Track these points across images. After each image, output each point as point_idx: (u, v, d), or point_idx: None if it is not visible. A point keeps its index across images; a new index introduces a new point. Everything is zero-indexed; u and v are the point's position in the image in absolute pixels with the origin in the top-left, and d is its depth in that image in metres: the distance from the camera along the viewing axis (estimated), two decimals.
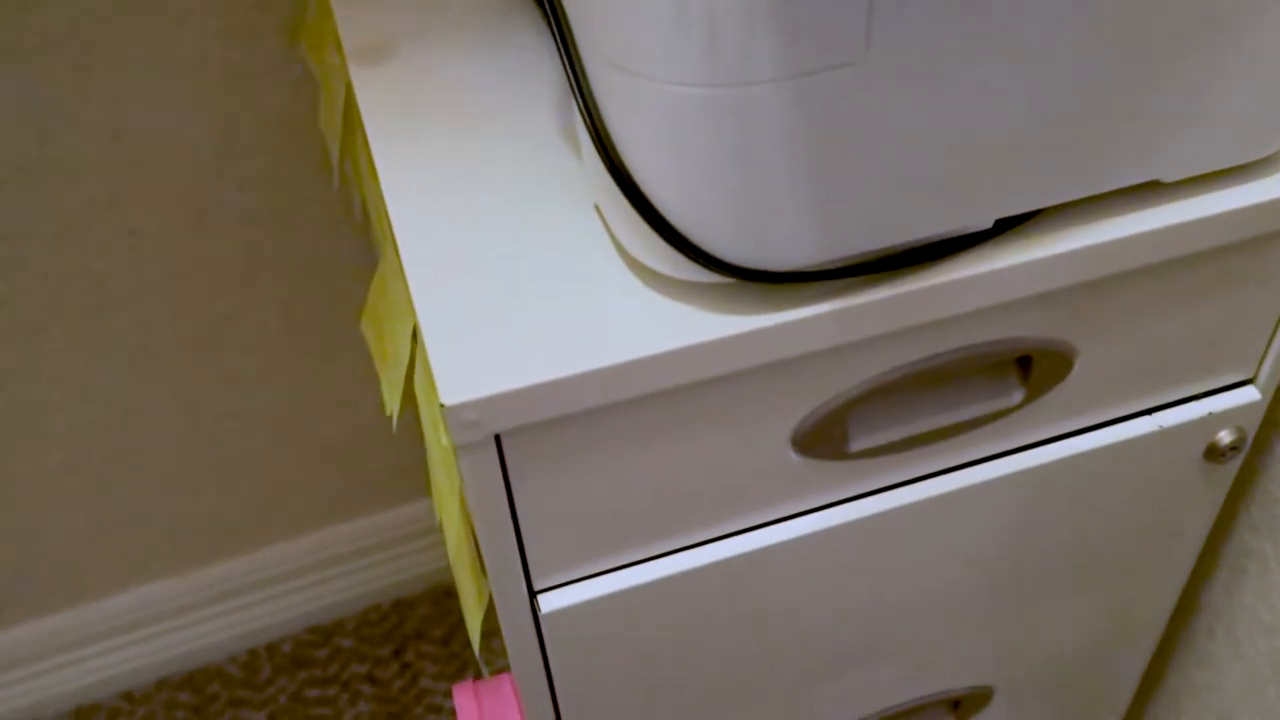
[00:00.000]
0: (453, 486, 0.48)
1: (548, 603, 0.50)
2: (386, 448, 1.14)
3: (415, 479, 1.18)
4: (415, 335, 0.48)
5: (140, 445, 1.03)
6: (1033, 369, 0.50)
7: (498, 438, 0.42)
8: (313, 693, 1.18)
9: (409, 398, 0.55)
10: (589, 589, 0.50)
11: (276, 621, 1.21)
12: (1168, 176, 0.45)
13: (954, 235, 0.44)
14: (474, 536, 0.50)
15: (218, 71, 0.83)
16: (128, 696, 1.19)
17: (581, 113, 0.41)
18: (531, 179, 0.48)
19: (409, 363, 0.52)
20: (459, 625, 1.22)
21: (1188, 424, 0.56)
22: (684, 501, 0.49)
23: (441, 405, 0.40)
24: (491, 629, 1.08)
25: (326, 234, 0.95)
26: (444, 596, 1.24)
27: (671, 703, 0.58)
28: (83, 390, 0.98)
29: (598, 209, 0.46)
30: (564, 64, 0.41)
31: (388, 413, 0.65)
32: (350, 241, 0.96)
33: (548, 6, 0.42)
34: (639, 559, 0.50)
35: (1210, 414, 0.56)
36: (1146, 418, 0.55)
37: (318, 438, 1.10)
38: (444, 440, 0.42)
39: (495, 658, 1.17)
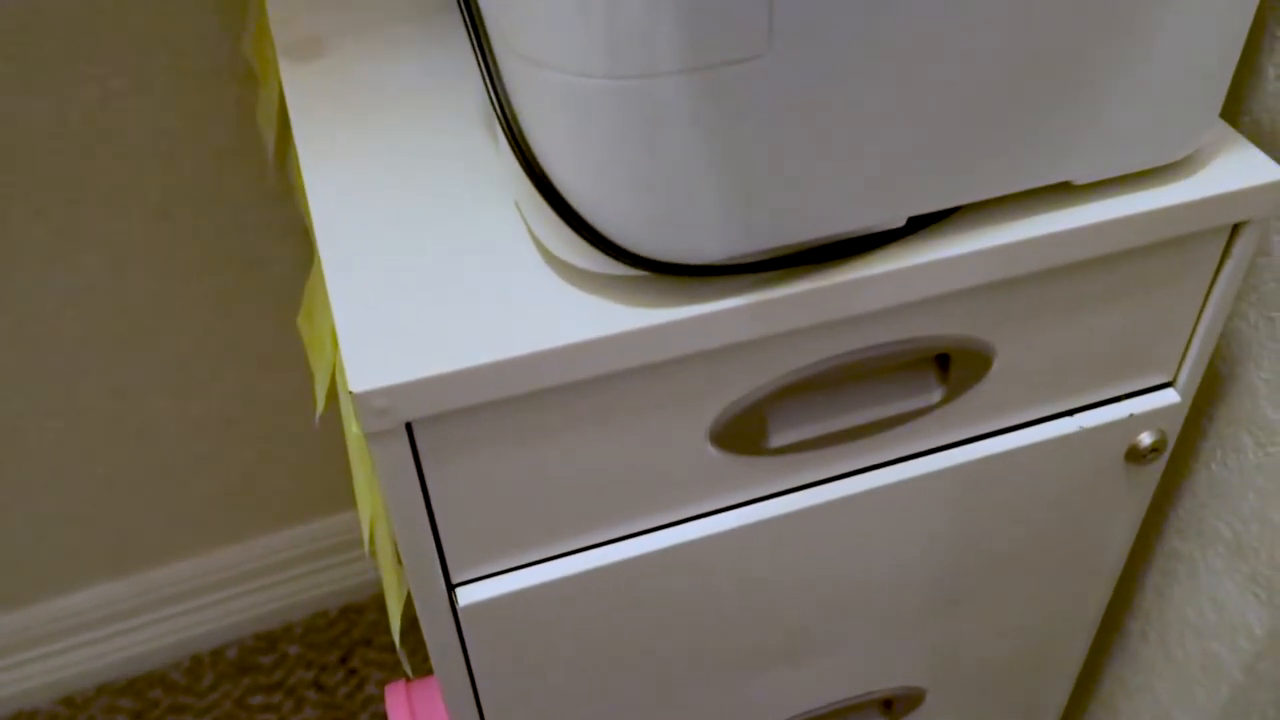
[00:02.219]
0: (370, 476, 0.48)
1: (466, 595, 0.49)
2: (335, 452, 1.13)
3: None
4: (333, 335, 0.48)
5: (85, 447, 1.02)
6: (951, 367, 0.51)
7: (409, 426, 0.42)
8: (257, 699, 1.17)
9: (337, 395, 0.55)
10: (508, 582, 0.50)
11: (222, 627, 1.20)
12: (1079, 178, 0.46)
13: (867, 232, 0.44)
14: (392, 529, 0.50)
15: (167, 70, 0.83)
16: (67, 702, 1.17)
17: (494, 106, 0.41)
18: (454, 174, 0.48)
19: (335, 358, 0.52)
20: (408, 631, 1.21)
21: (1108, 425, 0.56)
22: (603, 496, 0.49)
23: (350, 392, 0.40)
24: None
25: (271, 234, 0.95)
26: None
27: (595, 699, 0.58)
28: (26, 390, 0.97)
29: (517, 205, 0.46)
30: (476, 57, 0.41)
31: (316, 410, 0.65)
32: (294, 241, 0.96)
33: (462, 1, 0.42)
34: (559, 553, 0.50)
35: (1131, 415, 0.56)
36: (1068, 419, 0.56)
37: (266, 441, 1.09)
38: (354, 428, 0.42)
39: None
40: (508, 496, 0.47)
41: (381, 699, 1.16)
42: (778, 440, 0.50)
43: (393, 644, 1.20)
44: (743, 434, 0.49)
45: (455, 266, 0.44)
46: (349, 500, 1.18)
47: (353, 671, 1.18)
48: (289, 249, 0.96)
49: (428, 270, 0.44)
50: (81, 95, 0.83)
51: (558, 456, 0.46)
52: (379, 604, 1.24)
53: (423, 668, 1.19)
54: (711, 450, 0.49)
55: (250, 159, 0.90)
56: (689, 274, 0.42)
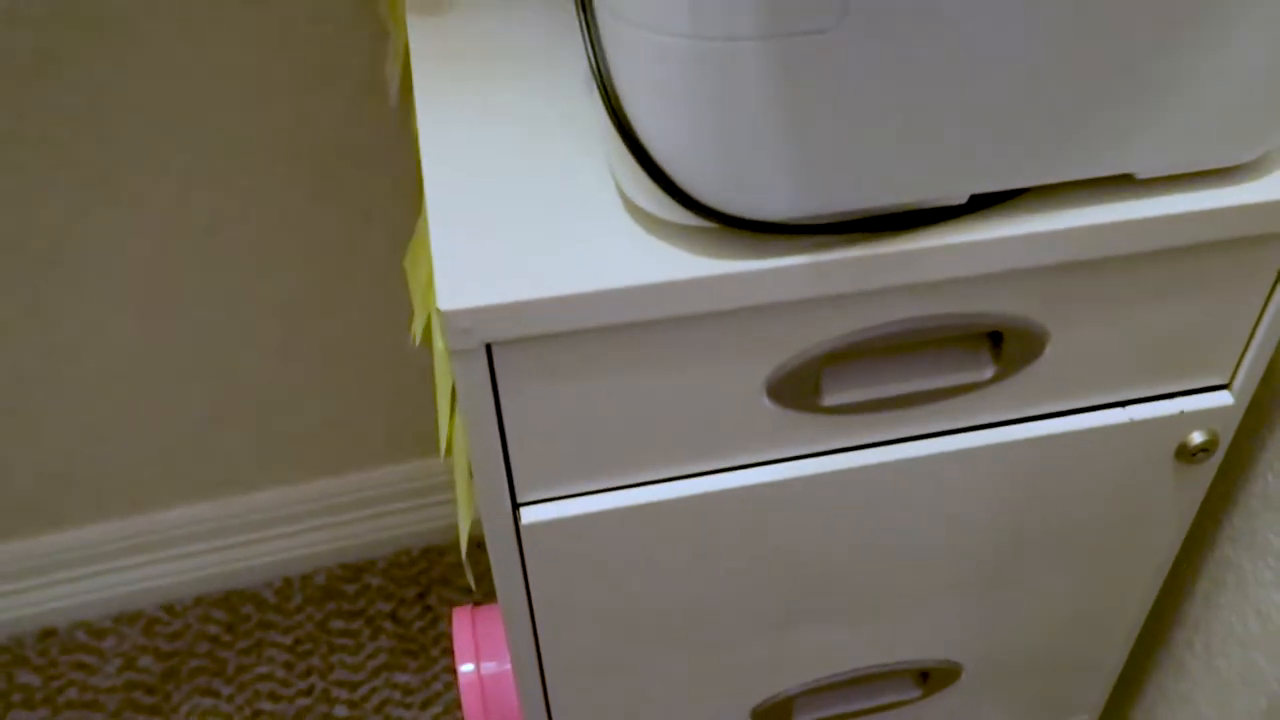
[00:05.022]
0: (451, 393, 0.52)
1: (529, 515, 0.54)
2: (428, 399, 1.19)
3: None
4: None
5: (200, 371, 1.10)
6: (1004, 346, 0.53)
7: (489, 347, 0.47)
8: (337, 624, 1.24)
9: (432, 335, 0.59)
10: (567, 507, 0.54)
11: (313, 554, 1.27)
12: (1143, 172, 0.48)
13: (929, 206, 0.47)
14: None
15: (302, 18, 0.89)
16: (168, 608, 1.26)
17: (590, 60, 0.45)
18: (556, 123, 0.53)
19: (432, 299, 0.57)
20: (484, 575, 1.27)
21: (1159, 420, 0.58)
22: (661, 435, 0.53)
23: (438, 310, 0.44)
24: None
25: (385, 179, 1.01)
26: (472, 548, 1.29)
27: (640, 633, 0.62)
28: (138, 316, 1.04)
29: (607, 158, 0.50)
30: (578, 15, 0.45)
31: (413, 341, 0.69)
32: (407, 187, 1.02)
33: None
34: (616, 485, 0.54)
35: (1182, 412, 0.58)
36: (1119, 409, 0.58)
37: (365, 382, 1.15)
38: (440, 345, 0.46)
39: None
40: (573, 425, 0.51)
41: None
42: (830, 399, 0.53)
43: (468, 587, 1.26)
44: (797, 390, 0.52)
45: (544, 209, 0.49)
46: (436, 446, 1.24)
47: (428, 608, 1.24)
48: (401, 194, 1.02)
49: (519, 210, 0.48)
50: (210, 38, 0.89)
51: (623, 392, 0.50)
52: (458, 548, 1.30)
53: (491, 598, 1.24)
54: (767, 402, 0.53)
55: (375, 106, 0.96)
56: (753, 229, 0.45)
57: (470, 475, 0.58)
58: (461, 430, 0.57)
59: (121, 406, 1.11)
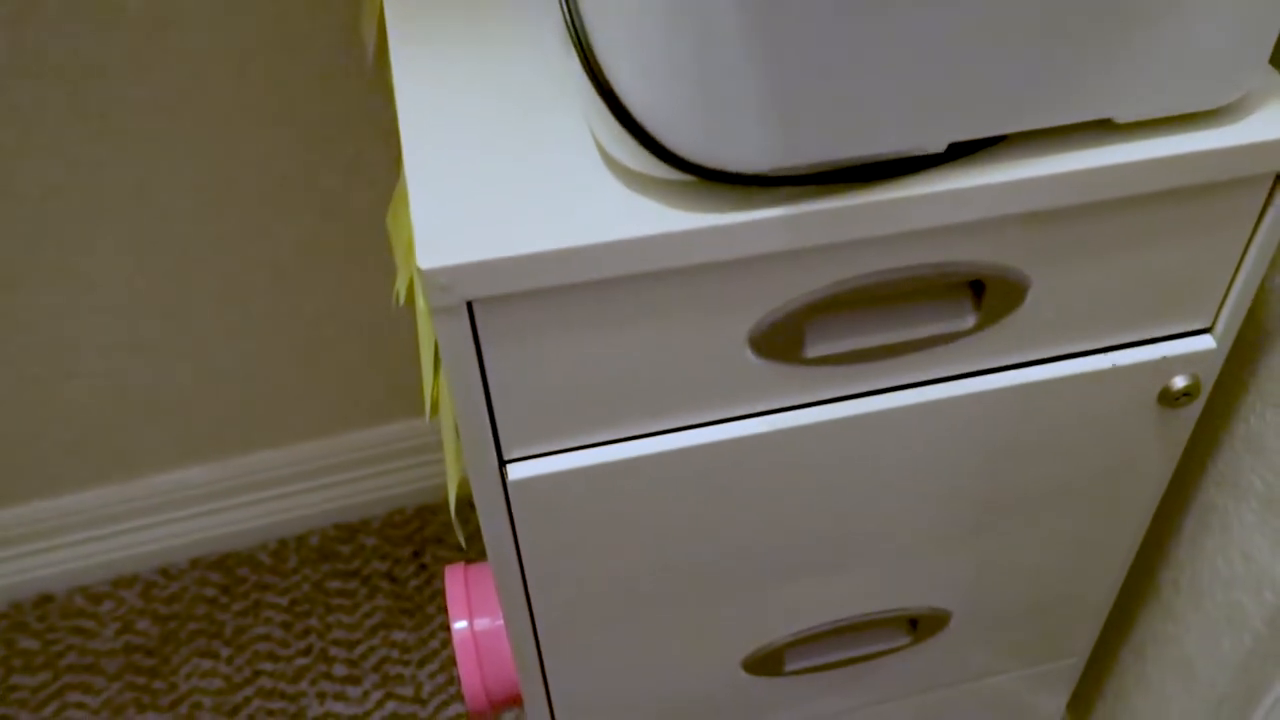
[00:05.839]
0: (434, 352, 0.52)
1: (515, 471, 0.54)
2: (421, 359, 1.19)
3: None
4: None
5: (191, 332, 1.10)
6: (986, 295, 0.53)
7: (470, 305, 0.47)
8: (334, 584, 1.25)
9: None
10: (554, 463, 0.54)
11: (307, 515, 1.28)
12: (1121, 116, 0.48)
13: (908, 155, 0.47)
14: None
15: None
16: (164, 571, 1.26)
17: (564, 15, 0.44)
18: (535, 81, 0.52)
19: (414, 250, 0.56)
20: (475, 534, 1.28)
21: (1142, 365, 0.58)
22: (647, 389, 0.53)
23: (419, 269, 0.44)
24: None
25: (370, 136, 1.00)
26: (463, 506, 1.30)
27: (629, 587, 0.62)
28: (131, 278, 1.04)
29: (584, 114, 0.50)
30: None
31: (396, 301, 0.69)
32: (392, 143, 1.01)
33: None
34: (602, 440, 0.55)
35: (1164, 358, 0.58)
36: (1101, 355, 0.58)
37: (357, 339, 1.15)
38: (422, 303, 0.46)
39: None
40: (558, 381, 0.51)
41: None
42: (813, 351, 0.53)
43: (460, 545, 1.27)
44: (780, 343, 0.53)
45: (523, 167, 0.48)
46: (423, 407, 1.24)
47: (423, 566, 1.25)
48: (387, 151, 1.01)
49: (498, 168, 0.48)
50: None
51: (605, 348, 0.50)
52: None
53: (484, 556, 1.25)
54: (750, 355, 0.53)
55: (352, 64, 0.95)
56: (733, 181, 0.45)
57: (457, 434, 0.58)
58: (446, 389, 0.57)
59: (113, 369, 1.11)
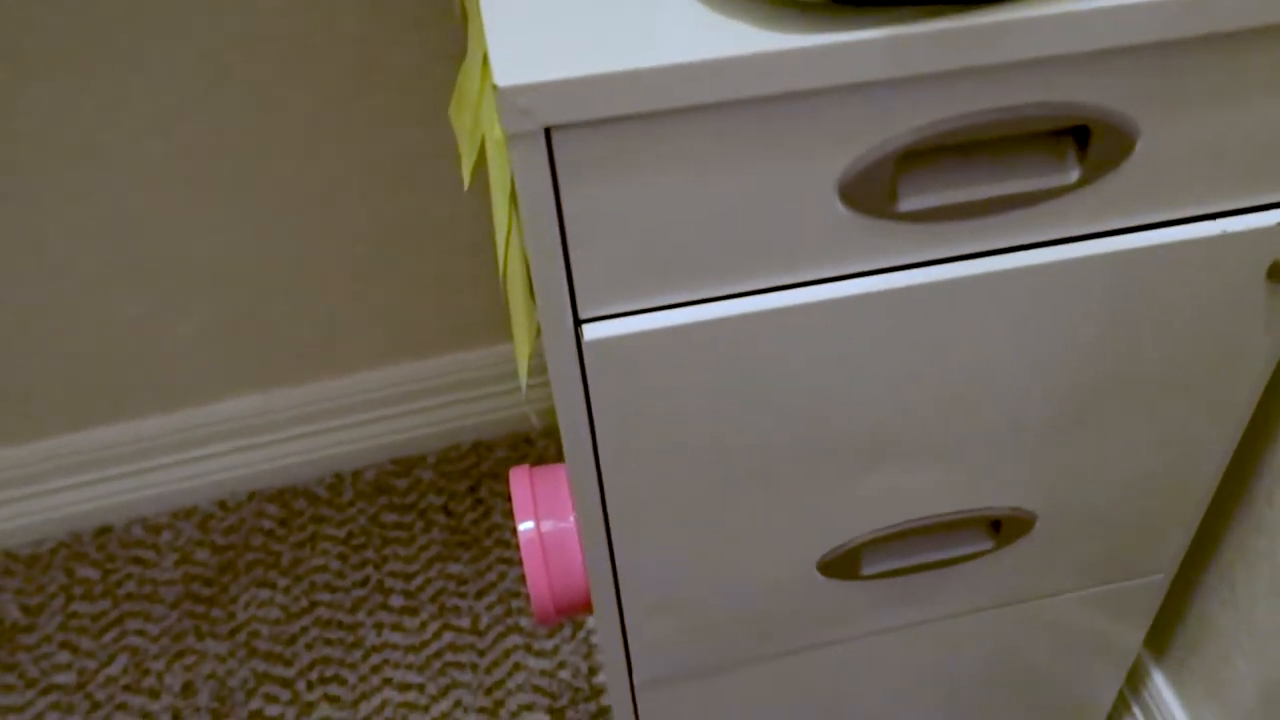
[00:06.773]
0: (508, 199, 0.50)
1: (591, 331, 0.52)
2: (480, 287, 1.18)
3: (506, 321, 1.22)
4: (486, 61, 0.51)
5: (248, 262, 1.09)
6: (1091, 144, 0.50)
7: (548, 132, 0.44)
8: (390, 517, 1.23)
9: (483, 168, 0.57)
10: (631, 324, 0.52)
11: (363, 449, 1.27)
12: None
13: None
14: (527, 264, 0.53)
15: None
16: (222, 504, 1.26)
17: None
18: None
19: (479, 116, 0.54)
20: (545, 434, 1.26)
21: (1253, 232, 0.55)
22: (731, 243, 0.50)
23: (495, 87, 0.42)
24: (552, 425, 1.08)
25: (429, 55, 0.98)
26: (522, 443, 1.28)
27: (706, 472, 0.60)
28: (184, 204, 1.03)
29: None
30: None
31: (464, 184, 0.67)
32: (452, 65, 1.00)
33: None
34: (682, 301, 0.52)
35: (1279, 225, 0.55)
36: (1210, 222, 0.55)
37: (415, 270, 1.14)
38: (496, 132, 0.44)
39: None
40: (637, 231, 0.49)
41: (505, 528, 1.21)
42: (907, 204, 0.51)
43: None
44: (873, 193, 0.50)
45: None
46: (487, 337, 1.22)
47: (479, 501, 1.24)
48: (446, 71, 0.99)
49: None
50: None
51: (686, 190, 0.48)
52: (509, 443, 1.29)
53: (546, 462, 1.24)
54: (840, 207, 0.50)
55: None
56: (826, 2, 0.43)
57: (528, 297, 0.56)
58: (518, 249, 0.55)
59: (171, 297, 1.10)
